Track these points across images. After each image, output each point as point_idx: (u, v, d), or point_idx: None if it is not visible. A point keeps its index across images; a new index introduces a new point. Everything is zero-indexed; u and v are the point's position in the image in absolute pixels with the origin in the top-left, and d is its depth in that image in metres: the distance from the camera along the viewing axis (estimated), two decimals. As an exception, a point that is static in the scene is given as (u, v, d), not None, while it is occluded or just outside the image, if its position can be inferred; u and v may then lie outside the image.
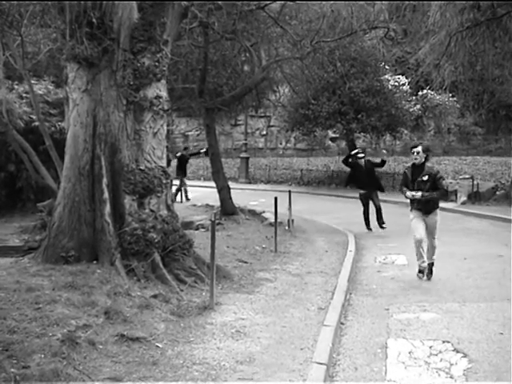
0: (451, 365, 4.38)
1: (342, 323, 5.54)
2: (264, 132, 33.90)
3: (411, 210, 7.36)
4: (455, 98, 27.30)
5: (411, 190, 7.14)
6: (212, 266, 5.69)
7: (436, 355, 4.59)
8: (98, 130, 6.39)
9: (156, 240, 6.29)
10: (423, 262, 7.20)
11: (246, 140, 28.41)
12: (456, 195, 16.75)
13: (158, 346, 4.50)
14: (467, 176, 18.13)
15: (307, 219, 13.67)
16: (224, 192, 13.35)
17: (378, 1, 14.60)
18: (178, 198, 17.50)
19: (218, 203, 13.80)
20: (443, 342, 4.90)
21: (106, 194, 6.26)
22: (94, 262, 6.11)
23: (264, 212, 13.44)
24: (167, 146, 7.37)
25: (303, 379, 3.99)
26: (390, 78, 23.06)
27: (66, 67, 6.64)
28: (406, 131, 24.89)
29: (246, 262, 8.00)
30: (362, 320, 5.69)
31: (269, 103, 23.71)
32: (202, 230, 10.96)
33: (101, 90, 6.40)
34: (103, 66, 6.40)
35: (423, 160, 7.14)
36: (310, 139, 27.72)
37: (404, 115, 22.28)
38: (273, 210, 10.15)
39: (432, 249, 7.38)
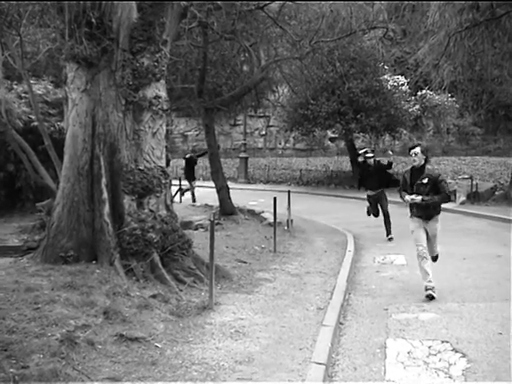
0: (450, 365, 4.39)
1: (340, 323, 5.54)
2: (263, 132, 33.89)
3: (411, 217, 6.76)
4: (454, 98, 27.30)
5: (410, 194, 6.57)
6: (211, 266, 5.69)
7: (435, 355, 4.60)
8: (97, 129, 6.38)
9: (155, 240, 6.29)
10: (429, 281, 6.44)
11: (245, 140, 28.42)
12: (455, 195, 16.76)
13: (157, 346, 4.50)
14: (466, 176, 18.17)
15: (306, 219, 13.68)
16: (223, 192, 13.35)
17: (377, 1, 14.61)
18: (177, 198, 17.47)
19: (217, 203, 13.79)
20: (442, 341, 4.91)
21: (105, 194, 6.25)
22: (93, 262, 6.11)
23: (263, 212, 13.45)
24: (166, 146, 7.37)
25: (302, 379, 3.99)
26: (389, 78, 23.03)
27: (65, 67, 6.64)
28: (405, 131, 24.89)
29: (245, 262, 8.00)
30: (361, 320, 5.70)
31: (268, 103, 23.73)
32: (201, 229, 10.96)
33: (100, 89, 6.40)
34: (102, 65, 6.39)
35: (423, 162, 6.54)
36: (309, 139, 27.70)
37: (403, 115, 22.27)
38: (272, 210, 10.16)
39: (432, 253, 6.95)
